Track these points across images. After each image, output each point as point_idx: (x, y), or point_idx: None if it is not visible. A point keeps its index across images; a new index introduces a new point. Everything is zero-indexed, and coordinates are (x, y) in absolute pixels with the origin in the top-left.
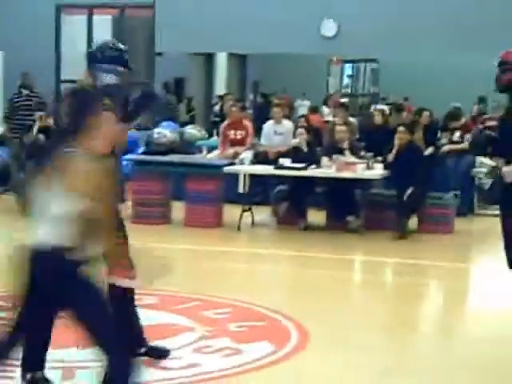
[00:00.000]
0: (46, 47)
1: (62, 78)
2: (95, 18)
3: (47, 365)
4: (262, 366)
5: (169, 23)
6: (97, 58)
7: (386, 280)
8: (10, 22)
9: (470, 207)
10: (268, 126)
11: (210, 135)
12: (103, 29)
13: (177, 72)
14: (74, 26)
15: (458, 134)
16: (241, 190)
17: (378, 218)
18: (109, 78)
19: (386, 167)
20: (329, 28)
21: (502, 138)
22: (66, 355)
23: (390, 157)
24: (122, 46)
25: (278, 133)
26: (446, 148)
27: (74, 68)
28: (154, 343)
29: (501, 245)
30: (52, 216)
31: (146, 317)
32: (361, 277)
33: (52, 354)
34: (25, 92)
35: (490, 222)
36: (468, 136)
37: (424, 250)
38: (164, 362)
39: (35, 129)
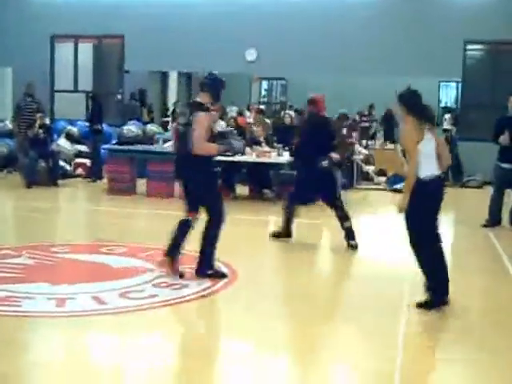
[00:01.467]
0: (43, 65)
1: (55, 88)
2: (80, 45)
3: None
4: (202, 296)
5: (134, 49)
6: None
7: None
8: (16, 46)
9: (351, 182)
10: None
11: (165, 130)
12: (86, 53)
13: (140, 84)
14: (63, 50)
15: (344, 131)
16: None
17: (286, 191)
18: None
19: (291, 154)
20: (251, 54)
21: None
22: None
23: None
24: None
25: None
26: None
27: (64, 81)
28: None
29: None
30: None
31: (119, 261)
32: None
33: (50, 288)
34: (28, 98)
35: (365, 193)
36: (355, 134)
37: (320, 212)
38: (131, 294)
39: (36, 125)
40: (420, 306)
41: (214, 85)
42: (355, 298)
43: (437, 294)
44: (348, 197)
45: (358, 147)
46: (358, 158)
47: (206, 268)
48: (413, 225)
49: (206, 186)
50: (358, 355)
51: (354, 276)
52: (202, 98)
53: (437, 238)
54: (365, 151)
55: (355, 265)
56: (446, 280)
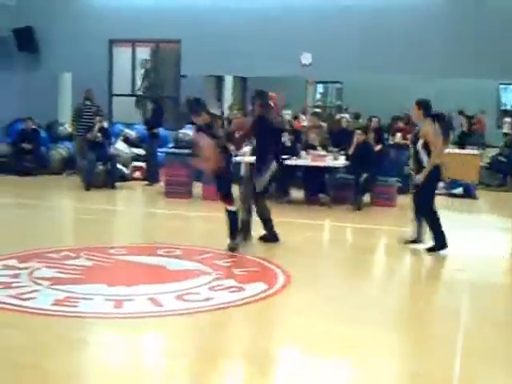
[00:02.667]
0: (102, 70)
1: (113, 92)
2: (138, 49)
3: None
4: (258, 299)
5: (190, 53)
6: None
7: (346, 239)
8: (75, 52)
9: (407, 187)
10: None
11: None
12: (143, 58)
13: (196, 89)
14: (121, 55)
15: (399, 134)
16: (243, 173)
17: (341, 195)
18: None
19: (347, 158)
20: (306, 58)
21: None
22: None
23: (350, 151)
24: None
25: None
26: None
27: (121, 86)
28: None
29: None
30: None
31: (176, 263)
32: (328, 236)
33: (108, 290)
34: (87, 102)
35: None
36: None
37: (374, 218)
38: (187, 296)
39: (95, 129)
40: (429, 250)
41: None
42: (412, 303)
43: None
44: (405, 202)
45: None
46: None
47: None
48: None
49: None
50: (416, 361)
51: (411, 280)
52: None
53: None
54: None
55: (412, 269)
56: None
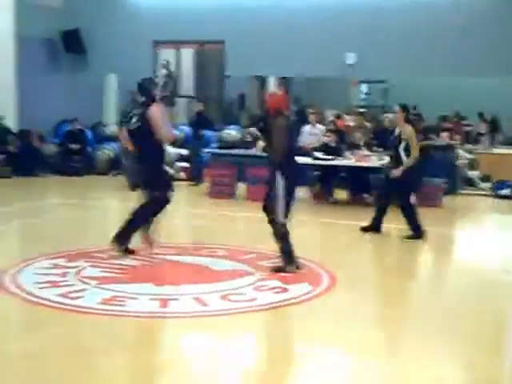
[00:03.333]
0: (146, 71)
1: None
2: (182, 50)
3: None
4: (302, 301)
5: (234, 54)
6: None
7: (391, 239)
8: (120, 53)
9: (453, 188)
10: (306, 128)
11: None
12: (187, 59)
13: (240, 89)
14: (166, 56)
15: (445, 134)
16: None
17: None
18: None
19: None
20: (351, 57)
21: None
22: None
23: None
24: None
25: (313, 133)
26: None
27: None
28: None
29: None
30: None
31: (221, 263)
32: (372, 237)
33: (153, 289)
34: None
35: (468, 199)
36: (457, 137)
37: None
38: (232, 296)
39: None
40: (409, 238)
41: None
42: (460, 305)
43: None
44: (451, 203)
45: (460, 151)
46: (461, 162)
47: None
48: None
49: None
50: (458, 363)
51: (458, 282)
52: None
53: None
54: (468, 156)
55: (459, 270)
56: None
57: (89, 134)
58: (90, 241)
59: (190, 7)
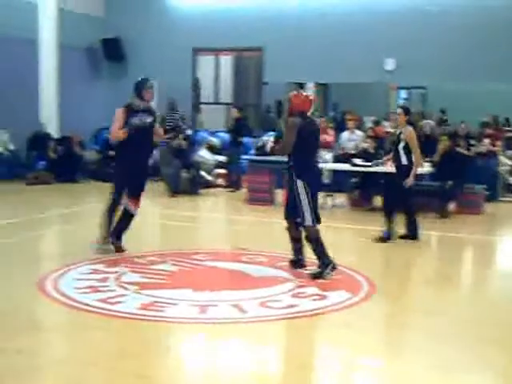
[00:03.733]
0: (186, 78)
1: (196, 101)
2: (221, 57)
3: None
4: (341, 308)
5: (272, 61)
6: None
7: (432, 248)
8: (161, 60)
9: (495, 195)
10: (344, 134)
11: None
12: (226, 66)
13: (277, 96)
14: (205, 63)
15: (486, 141)
16: (325, 180)
17: (427, 203)
18: None
19: (432, 165)
20: (389, 64)
21: None
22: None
23: (435, 158)
24: None
25: (352, 139)
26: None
27: (205, 93)
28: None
29: None
30: None
31: (259, 270)
32: (413, 245)
33: (192, 295)
34: (172, 110)
35: (509, 206)
36: (499, 143)
37: (460, 226)
38: (270, 303)
39: (179, 137)
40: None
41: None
42: (496, 317)
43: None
44: (492, 210)
45: (502, 158)
46: (502, 169)
47: None
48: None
49: None
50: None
51: (496, 292)
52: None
53: None
54: (510, 162)
55: (506, 279)
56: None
57: None
58: (129, 246)
59: (228, 15)
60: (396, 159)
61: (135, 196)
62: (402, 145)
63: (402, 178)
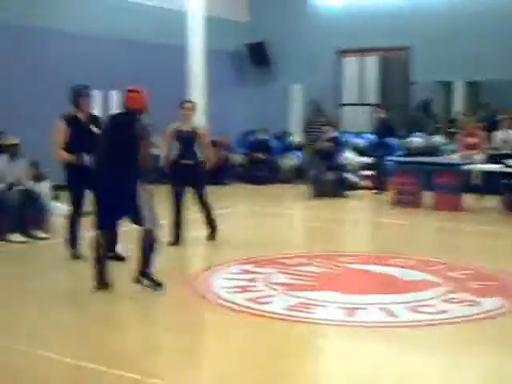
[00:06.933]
0: (331, 80)
1: (343, 102)
2: (366, 58)
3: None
4: (495, 316)
5: (420, 60)
6: None
7: None
8: (306, 63)
9: None
10: (498, 134)
11: (451, 141)
12: (371, 66)
13: (424, 95)
14: (349, 64)
15: None
16: (474, 182)
17: None
18: None
19: None
20: None
21: None
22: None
23: None
24: None
25: (505, 140)
26: None
27: (351, 95)
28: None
29: None
30: None
31: (407, 273)
32: None
33: (339, 297)
34: (316, 112)
35: None
36: None
37: None
38: (421, 308)
39: (324, 139)
40: None
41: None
42: None
43: None
44: None
45: None
46: None
47: None
48: None
49: None
50: None
51: None
52: None
53: None
54: None
55: None
56: None
57: (274, 143)
58: (276, 247)
59: (373, 15)
60: None
61: None
62: None
63: None
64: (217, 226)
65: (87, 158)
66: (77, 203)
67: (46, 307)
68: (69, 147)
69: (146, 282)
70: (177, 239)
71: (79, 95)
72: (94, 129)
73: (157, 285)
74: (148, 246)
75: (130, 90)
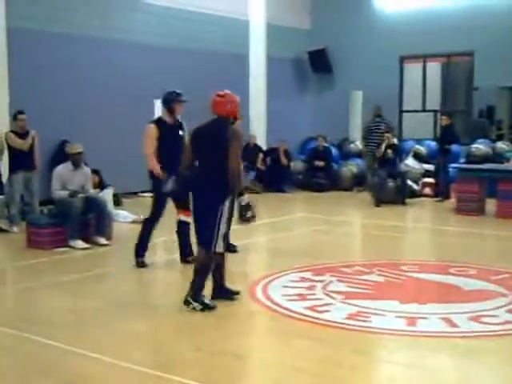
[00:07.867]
0: (392, 86)
1: (404, 108)
2: (428, 64)
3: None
4: None
5: (484, 65)
6: None
7: None
8: (367, 70)
9: None
10: None
11: None
12: (433, 72)
13: (488, 101)
14: (411, 70)
15: None
16: None
17: None
18: None
19: None
20: None
21: None
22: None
23: None
24: None
25: None
26: None
27: (412, 101)
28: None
29: None
30: None
31: (469, 283)
32: None
33: (399, 306)
34: (377, 119)
35: None
36: None
37: None
38: (484, 318)
39: (383, 146)
40: None
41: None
42: None
43: None
44: None
45: None
46: None
47: None
48: None
49: None
50: None
51: None
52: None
53: None
54: None
55: None
56: None
57: (334, 150)
58: (335, 255)
59: (437, 21)
60: None
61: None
62: None
63: None
64: None
65: (169, 186)
66: (157, 211)
67: (111, 314)
68: (159, 152)
69: (196, 305)
70: (234, 246)
71: (174, 101)
72: (181, 132)
73: (210, 308)
74: (202, 268)
75: (218, 95)
